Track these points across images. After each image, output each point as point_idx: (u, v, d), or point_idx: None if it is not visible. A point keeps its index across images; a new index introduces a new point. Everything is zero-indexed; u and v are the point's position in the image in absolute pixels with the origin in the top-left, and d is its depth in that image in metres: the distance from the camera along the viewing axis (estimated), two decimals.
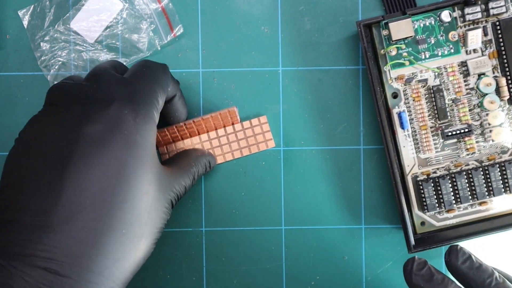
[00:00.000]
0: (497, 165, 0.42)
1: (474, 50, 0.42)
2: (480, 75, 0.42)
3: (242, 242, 0.45)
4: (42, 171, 0.33)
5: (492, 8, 0.41)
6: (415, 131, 0.42)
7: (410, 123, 0.42)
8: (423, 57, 0.42)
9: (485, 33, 0.42)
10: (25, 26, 0.44)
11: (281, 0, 0.44)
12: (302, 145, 0.45)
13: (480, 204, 0.43)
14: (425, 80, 0.42)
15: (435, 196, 0.42)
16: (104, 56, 0.44)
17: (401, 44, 0.41)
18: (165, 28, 0.44)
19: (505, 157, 0.43)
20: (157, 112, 0.37)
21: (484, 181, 0.42)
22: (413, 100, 0.42)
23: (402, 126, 0.42)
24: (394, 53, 0.42)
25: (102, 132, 0.33)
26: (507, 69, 0.42)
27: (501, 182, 0.42)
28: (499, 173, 0.42)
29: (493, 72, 0.42)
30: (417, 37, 0.41)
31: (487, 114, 0.42)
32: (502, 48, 0.41)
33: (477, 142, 0.43)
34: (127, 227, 0.33)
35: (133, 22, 0.44)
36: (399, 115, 0.42)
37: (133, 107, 0.35)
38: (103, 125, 0.34)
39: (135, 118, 0.35)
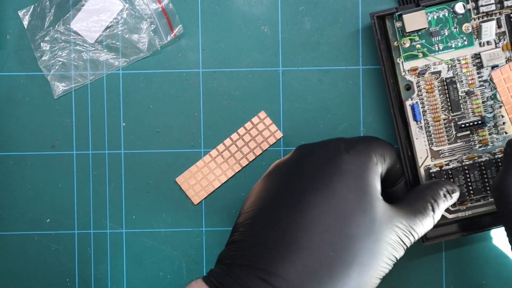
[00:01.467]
0: None
1: (488, 42, 0.42)
2: (493, 67, 0.42)
3: None
4: (281, 206, 0.37)
5: (506, 0, 0.41)
6: (428, 123, 0.42)
7: (423, 115, 0.42)
8: (437, 49, 0.42)
9: (499, 25, 0.42)
10: (25, 26, 0.44)
11: (281, 0, 0.44)
12: None
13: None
14: (439, 72, 0.42)
15: None
16: (104, 56, 0.44)
17: (414, 36, 0.41)
18: (165, 28, 0.44)
19: None
20: (377, 157, 0.38)
21: (496, 173, 0.42)
22: (426, 92, 0.42)
23: (415, 118, 0.42)
24: (407, 45, 0.41)
25: (319, 166, 0.37)
26: None
27: None
28: None
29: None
30: (430, 29, 0.41)
31: (500, 107, 0.42)
32: None
33: (490, 134, 0.42)
34: (353, 258, 0.35)
35: (133, 22, 0.44)
36: (412, 107, 0.42)
37: (348, 141, 0.38)
38: (320, 158, 0.37)
39: (349, 150, 0.37)
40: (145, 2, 0.44)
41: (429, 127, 0.42)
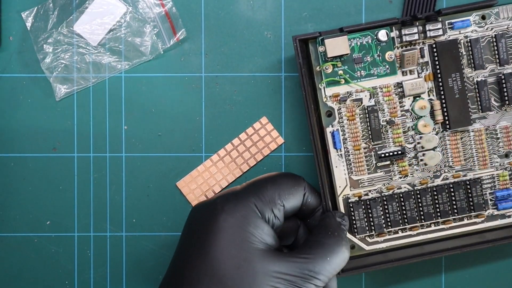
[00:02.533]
0: (429, 190, 0.41)
1: (411, 72, 0.41)
2: (415, 97, 0.41)
3: None
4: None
5: (429, 30, 0.40)
6: (348, 152, 0.41)
7: (344, 143, 0.41)
8: (359, 76, 0.41)
9: (422, 55, 0.41)
10: (28, 28, 0.44)
11: (284, 5, 0.44)
12: (304, 151, 0.45)
13: (411, 228, 0.42)
14: (360, 100, 0.41)
15: (365, 219, 0.41)
16: (107, 59, 0.44)
17: (337, 61, 0.41)
18: (168, 32, 0.44)
19: (438, 181, 0.42)
20: (261, 204, 0.38)
21: (415, 205, 0.41)
22: (347, 120, 0.41)
23: (335, 145, 0.41)
24: (329, 70, 0.41)
25: (198, 227, 0.38)
26: (442, 92, 0.41)
27: (432, 207, 0.41)
28: (431, 198, 0.41)
29: (429, 95, 0.41)
30: (353, 55, 0.41)
31: (420, 137, 0.41)
32: (438, 71, 0.41)
33: (410, 165, 0.42)
34: None
35: (137, 25, 0.44)
36: (333, 134, 0.41)
37: (226, 197, 0.38)
38: (199, 219, 0.38)
39: (224, 207, 0.38)
40: (148, 6, 0.44)
41: (349, 155, 0.41)
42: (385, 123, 0.41)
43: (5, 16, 0.44)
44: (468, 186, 0.41)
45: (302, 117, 0.44)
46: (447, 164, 0.42)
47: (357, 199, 0.42)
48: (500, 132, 0.42)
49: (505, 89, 0.41)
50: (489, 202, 0.42)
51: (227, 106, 0.45)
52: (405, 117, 0.41)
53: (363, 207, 0.41)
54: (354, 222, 0.41)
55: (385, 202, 0.41)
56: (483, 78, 0.41)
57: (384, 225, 0.41)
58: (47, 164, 0.45)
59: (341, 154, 0.41)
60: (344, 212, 0.41)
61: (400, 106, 0.41)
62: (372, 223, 0.41)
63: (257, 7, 0.44)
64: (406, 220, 0.41)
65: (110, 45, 0.44)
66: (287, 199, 0.39)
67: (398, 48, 0.41)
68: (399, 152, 0.41)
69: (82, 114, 0.45)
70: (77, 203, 0.45)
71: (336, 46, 0.40)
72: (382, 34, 0.41)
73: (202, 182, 0.44)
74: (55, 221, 0.45)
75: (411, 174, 0.42)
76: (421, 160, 0.42)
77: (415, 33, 0.40)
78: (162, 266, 0.45)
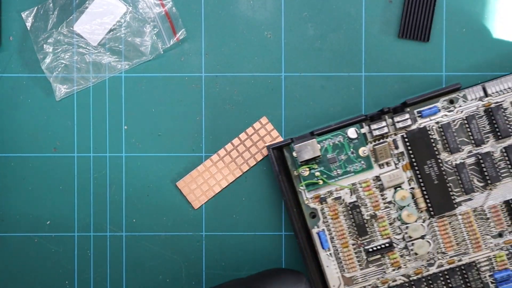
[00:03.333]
0: (423, 279, 0.41)
1: (387, 164, 0.41)
2: (396, 188, 0.41)
3: (242, 247, 0.45)
4: None
5: (398, 121, 0.41)
6: (337, 250, 0.41)
7: (331, 242, 0.41)
8: (336, 175, 0.41)
9: (396, 146, 0.41)
10: (28, 28, 0.44)
11: (284, 5, 0.44)
12: None
13: None
14: (341, 198, 0.41)
15: None
16: (107, 59, 0.44)
17: (312, 164, 0.41)
18: (168, 32, 0.44)
19: (433, 269, 0.41)
20: None
21: None
22: (332, 219, 0.41)
23: (323, 246, 0.41)
24: (306, 173, 0.41)
25: None
26: (420, 180, 0.41)
27: None
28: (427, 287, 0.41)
29: (409, 184, 0.41)
30: (327, 155, 0.41)
31: (407, 227, 0.41)
32: (413, 160, 0.41)
33: (401, 256, 0.41)
34: None
35: (137, 25, 0.44)
36: (319, 235, 0.41)
37: (246, 282, 0.39)
38: None
39: None
40: (148, 6, 0.44)
41: (338, 253, 0.41)
42: (369, 217, 0.41)
43: (5, 16, 0.44)
44: (464, 271, 0.41)
45: (302, 117, 0.44)
46: (439, 251, 0.41)
47: None
48: (489, 212, 0.41)
49: (485, 169, 0.41)
50: (490, 284, 0.41)
51: (227, 106, 0.45)
52: (389, 208, 0.41)
53: None
54: None
55: None
56: (462, 161, 0.41)
57: None
58: (47, 164, 0.45)
59: (330, 253, 0.41)
60: None
61: (382, 199, 0.41)
62: None
63: (257, 7, 0.44)
64: None
65: (110, 45, 0.44)
66: None
67: (371, 143, 0.41)
68: (387, 245, 0.41)
69: (82, 114, 0.45)
70: (77, 203, 0.45)
71: (307, 150, 0.40)
72: (352, 132, 0.41)
73: (202, 182, 0.44)
74: (55, 221, 0.45)
75: (404, 265, 0.41)
76: (412, 249, 0.41)
77: (385, 126, 0.41)
78: (162, 266, 0.45)
